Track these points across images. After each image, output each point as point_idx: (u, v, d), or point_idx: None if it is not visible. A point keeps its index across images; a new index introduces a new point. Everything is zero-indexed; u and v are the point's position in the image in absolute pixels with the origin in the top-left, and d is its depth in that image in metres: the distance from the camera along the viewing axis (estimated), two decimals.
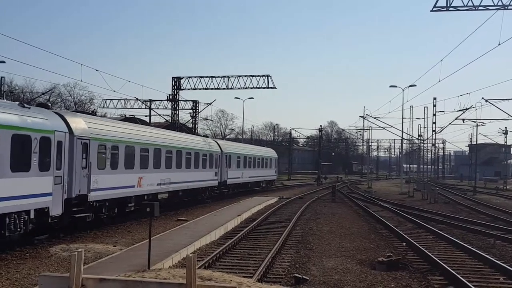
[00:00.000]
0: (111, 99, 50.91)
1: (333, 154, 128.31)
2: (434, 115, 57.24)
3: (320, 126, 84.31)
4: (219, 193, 31.65)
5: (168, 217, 21.68)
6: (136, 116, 53.51)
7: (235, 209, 24.42)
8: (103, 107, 54.03)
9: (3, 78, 51.64)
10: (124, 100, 50.14)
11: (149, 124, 43.59)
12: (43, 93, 55.24)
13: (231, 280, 8.73)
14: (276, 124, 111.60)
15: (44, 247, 13.88)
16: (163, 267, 10.82)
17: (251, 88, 43.31)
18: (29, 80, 61.97)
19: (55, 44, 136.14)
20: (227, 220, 19.68)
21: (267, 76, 42.82)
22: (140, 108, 51.33)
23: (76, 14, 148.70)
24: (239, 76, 43.25)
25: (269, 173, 46.70)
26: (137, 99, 47.47)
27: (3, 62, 38.97)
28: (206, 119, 76.52)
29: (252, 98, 61.82)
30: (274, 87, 43.28)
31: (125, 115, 53.74)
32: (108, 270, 10.04)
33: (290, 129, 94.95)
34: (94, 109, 54.29)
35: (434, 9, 26.60)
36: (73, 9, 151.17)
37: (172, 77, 45.34)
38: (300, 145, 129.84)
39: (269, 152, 48.67)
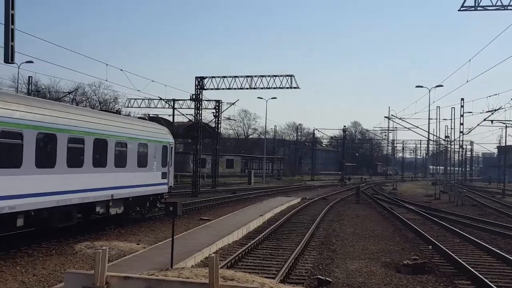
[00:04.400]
0: (135, 99, 51.42)
1: (357, 154, 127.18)
2: (462, 116, 56.20)
3: (344, 126, 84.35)
4: None
5: (191, 217, 21.78)
6: (159, 116, 54.14)
7: (258, 209, 24.37)
8: (127, 107, 54.74)
9: (30, 78, 52.90)
10: (148, 99, 50.65)
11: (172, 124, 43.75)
12: (69, 93, 56.28)
13: (253, 281, 8.67)
14: (299, 124, 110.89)
15: (69, 244, 14.09)
16: (185, 266, 10.83)
17: (274, 88, 43.06)
18: (53, 79, 63.12)
19: (75, 42, 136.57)
20: (250, 220, 19.64)
21: (291, 76, 42.56)
22: (163, 108, 51.80)
23: (89, 13, 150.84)
24: (262, 76, 43.11)
25: (144, 178, 18.90)
26: (160, 98, 47.91)
27: (31, 62, 39.84)
28: (229, 119, 76.77)
29: (275, 98, 61.45)
30: (297, 87, 43.00)
31: (148, 114, 54.36)
32: (132, 268, 10.09)
33: (313, 129, 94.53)
34: (119, 108, 55.01)
35: (462, 8, 26.03)
36: (88, 7, 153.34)
37: (196, 77, 45.39)
38: (324, 145, 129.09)
39: (147, 130, 19.76)
